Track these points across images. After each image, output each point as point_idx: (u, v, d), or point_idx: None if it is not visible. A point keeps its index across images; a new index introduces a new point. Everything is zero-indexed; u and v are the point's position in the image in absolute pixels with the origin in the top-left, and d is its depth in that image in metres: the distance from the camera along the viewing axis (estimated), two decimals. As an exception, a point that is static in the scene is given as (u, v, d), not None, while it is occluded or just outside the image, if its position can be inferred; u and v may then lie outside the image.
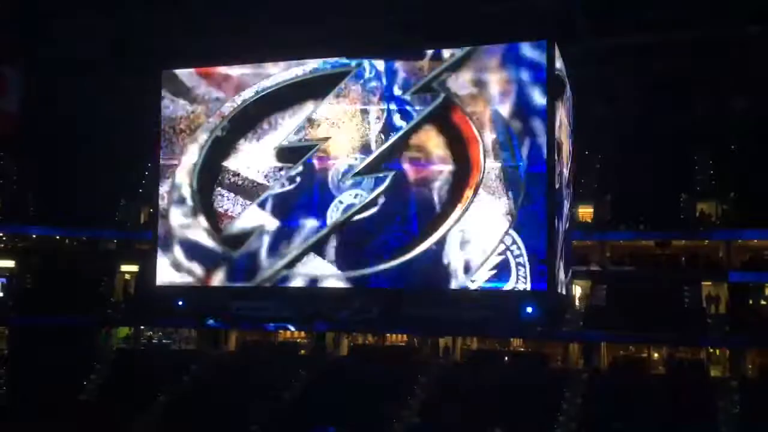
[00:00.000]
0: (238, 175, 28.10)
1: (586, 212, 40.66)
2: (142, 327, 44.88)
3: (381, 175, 26.37)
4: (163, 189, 29.20)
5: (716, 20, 35.17)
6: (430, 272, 25.67)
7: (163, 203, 29.29)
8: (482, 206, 25.34)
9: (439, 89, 26.23)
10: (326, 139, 27.11)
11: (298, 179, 27.37)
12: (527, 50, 25.48)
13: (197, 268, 28.56)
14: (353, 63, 27.28)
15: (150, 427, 36.58)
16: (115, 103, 43.57)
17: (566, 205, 28.97)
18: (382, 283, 26.25)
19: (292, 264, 27.20)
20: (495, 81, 25.69)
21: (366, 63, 27.07)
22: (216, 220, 28.20)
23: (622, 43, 37.05)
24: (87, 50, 40.82)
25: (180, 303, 30.31)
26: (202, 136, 28.55)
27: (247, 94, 28.25)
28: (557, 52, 25.85)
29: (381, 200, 26.29)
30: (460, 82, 26.00)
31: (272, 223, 27.52)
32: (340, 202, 26.91)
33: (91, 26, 39.50)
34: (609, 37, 36.48)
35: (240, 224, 27.92)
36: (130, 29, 39.23)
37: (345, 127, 27.06)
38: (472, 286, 25.35)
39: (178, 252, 28.94)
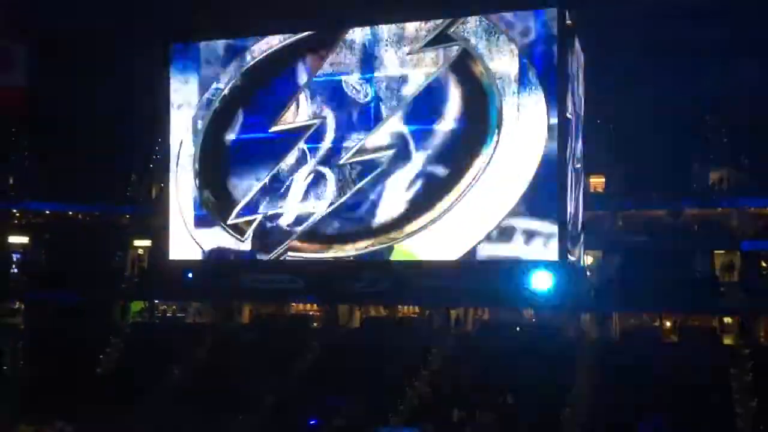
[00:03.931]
0: (240, 149, 27.69)
1: (598, 182, 40.39)
2: (156, 301, 45.25)
3: (388, 145, 25.71)
4: (173, 163, 29.16)
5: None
6: (441, 242, 25.50)
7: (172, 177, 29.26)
8: (494, 171, 24.78)
9: (457, 39, 25.00)
10: (324, 118, 26.42)
11: (300, 154, 26.95)
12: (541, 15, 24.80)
13: (205, 243, 28.50)
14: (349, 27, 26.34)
15: (166, 399, 36.99)
16: (121, 77, 43.49)
17: (579, 174, 28.74)
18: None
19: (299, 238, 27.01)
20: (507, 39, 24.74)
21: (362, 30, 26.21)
22: (222, 197, 28.01)
23: (636, 9, 36.56)
24: (100, 23, 40.67)
25: (189, 275, 30.36)
26: (201, 111, 28.27)
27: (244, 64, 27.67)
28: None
29: (388, 168, 25.75)
30: (475, 31, 24.79)
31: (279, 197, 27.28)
32: (347, 168, 26.35)
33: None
34: (622, 2, 36.00)
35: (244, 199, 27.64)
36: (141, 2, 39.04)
37: (343, 99, 26.34)
38: (483, 256, 25.17)
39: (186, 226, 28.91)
